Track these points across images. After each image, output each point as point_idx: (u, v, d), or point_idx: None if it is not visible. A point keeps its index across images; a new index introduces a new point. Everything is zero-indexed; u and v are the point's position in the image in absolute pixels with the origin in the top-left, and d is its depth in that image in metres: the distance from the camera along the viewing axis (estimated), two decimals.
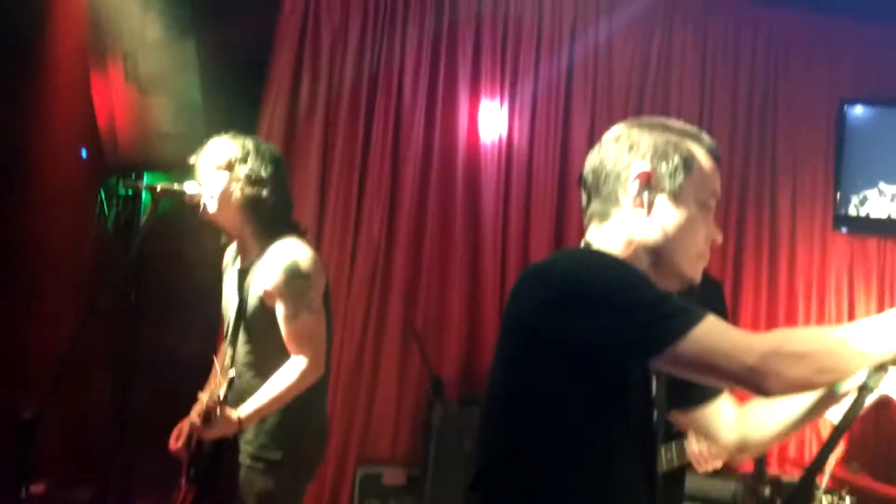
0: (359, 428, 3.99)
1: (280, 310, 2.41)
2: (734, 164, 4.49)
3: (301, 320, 2.40)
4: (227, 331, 2.52)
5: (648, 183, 1.47)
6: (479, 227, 4.20)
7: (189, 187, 2.50)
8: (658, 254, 1.47)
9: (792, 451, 4.28)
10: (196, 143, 2.60)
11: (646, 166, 1.47)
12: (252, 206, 2.48)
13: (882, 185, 4.39)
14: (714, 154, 1.53)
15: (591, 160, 1.55)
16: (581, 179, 1.57)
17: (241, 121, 3.75)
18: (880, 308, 4.43)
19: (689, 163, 1.48)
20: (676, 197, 1.47)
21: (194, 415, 2.34)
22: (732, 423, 1.62)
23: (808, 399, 1.50)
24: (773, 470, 3.94)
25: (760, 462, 3.47)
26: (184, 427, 2.57)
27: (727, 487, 3.41)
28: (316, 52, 4.03)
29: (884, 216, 4.37)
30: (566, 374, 1.36)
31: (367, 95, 4.10)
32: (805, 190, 4.54)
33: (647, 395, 1.48)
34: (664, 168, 1.47)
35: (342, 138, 4.05)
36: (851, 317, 4.44)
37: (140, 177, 3.61)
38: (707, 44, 4.50)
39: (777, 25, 4.56)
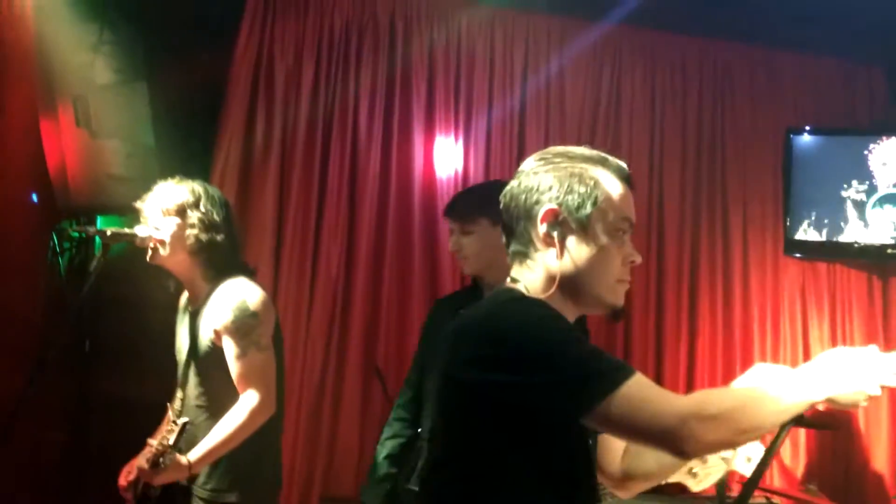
0: (322, 465, 3.95)
1: (229, 348, 2.41)
2: (685, 195, 4.58)
3: (250, 358, 2.40)
4: (179, 374, 2.51)
5: (556, 221, 1.49)
6: (437, 261, 4.22)
7: (141, 231, 2.50)
8: (575, 286, 1.50)
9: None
10: (149, 186, 2.61)
11: (552, 204, 1.49)
12: (204, 250, 2.50)
13: (829, 210, 4.51)
14: (623, 176, 1.54)
15: (504, 200, 1.57)
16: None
17: (195, 163, 3.77)
18: (832, 329, 4.52)
19: (594, 193, 1.49)
20: (584, 230, 1.49)
21: (142, 460, 2.31)
22: (619, 454, 1.63)
23: None
24: (733, 494, 3.96)
25: (721, 486, 3.49)
26: (133, 466, 2.54)
27: None
28: (270, 95, 4.06)
29: (831, 240, 4.48)
30: (503, 431, 1.37)
31: (322, 136, 4.13)
32: (756, 217, 4.64)
33: (586, 447, 1.50)
34: (569, 203, 1.49)
35: (298, 179, 4.06)
36: (805, 339, 4.53)
37: (92, 220, 3.59)
38: (656, 78, 4.61)
39: (723, 59, 4.69)
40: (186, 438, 2.34)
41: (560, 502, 1.40)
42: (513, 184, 1.56)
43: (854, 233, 4.46)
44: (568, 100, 4.49)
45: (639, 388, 1.31)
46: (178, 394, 2.50)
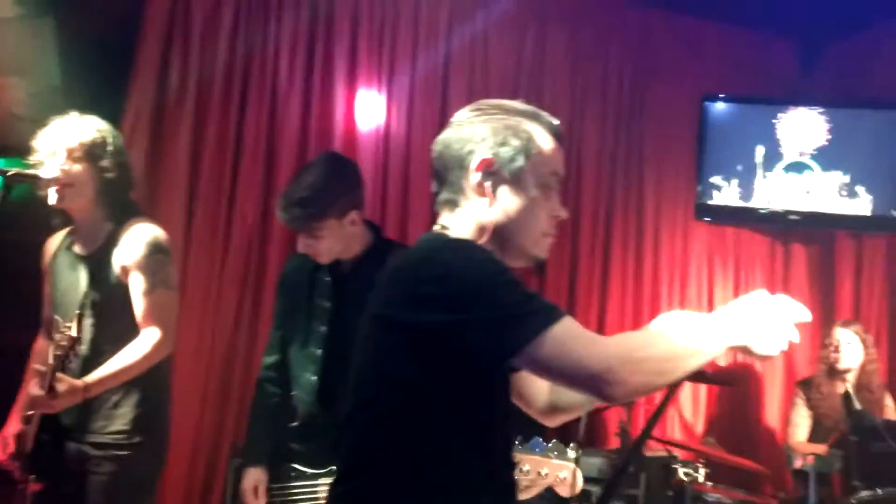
0: (232, 416, 3.92)
1: (137, 284, 2.39)
2: (603, 157, 4.66)
3: (158, 294, 2.39)
4: (70, 317, 2.40)
5: (489, 171, 1.51)
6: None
7: (45, 172, 2.41)
8: (504, 236, 1.52)
9: (655, 429, 4.50)
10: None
11: (486, 154, 1.51)
12: (110, 193, 2.43)
13: (739, 176, 4.66)
14: (554, 132, 1.58)
15: (437, 147, 1.58)
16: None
17: (105, 105, 3.61)
18: (736, 291, 4.71)
19: (527, 146, 1.52)
20: (517, 181, 1.52)
21: (35, 388, 2.25)
22: (545, 386, 1.67)
23: None
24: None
25: (624, 439, 3.63)
26: (7, 436, 2.48)
27: (592, 463, 3.55)
28: (186, 36, 3.92)
29: (739, 205, 4.65)
30: (433, 369, 1.39)
31: (240, 82, 4.02)
32: (669, 182, 4.77)
33: (507, 404, 1.54)
34: (503, 154, 1.51)
35: (214, 126, 3.95)
36: (710, 300, 4.71)
37: None
38: (578, 40, 4.66)
39: (645, 26, 4.77)
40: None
41: (473, 450, 1.43)
42: (447, 133, 1.57)
43: (760, 199, 4.63)
44: (492, 57, 4.49)
45: (568, 331, 1.33)
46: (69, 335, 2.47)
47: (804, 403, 4.09)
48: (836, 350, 3.96)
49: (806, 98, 4.70)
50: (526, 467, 2.05)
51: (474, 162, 1.52)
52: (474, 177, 1.52)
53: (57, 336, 2.33)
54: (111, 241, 2.46)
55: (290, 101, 4.11)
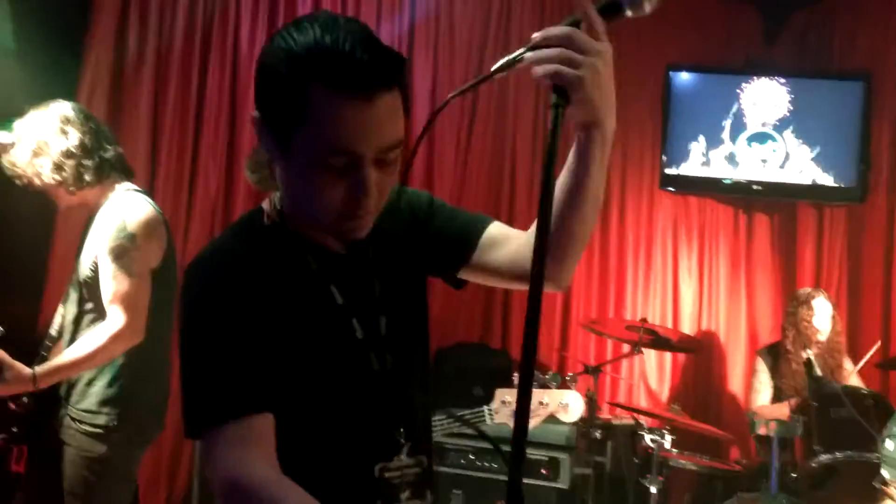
0: None
1: (103, 268, 2.31)
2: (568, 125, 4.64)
3: (119, 280, 2.29)
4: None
5: (261, 133, 1.16)
6: None
7: (1, 137, 2.33)
8: (296, 213, 1.24)
9: (622, 397, 4.55)
10: (9, 91, 2.42)
11: (255, 111, 1.16)
12: (76, 176, 2.35)
13: (701, 147, 4.69)
14: (346, 86, 1.07)
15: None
16: None
17: (61, 71, 3.51)
18: (700, 260, 4.76)
19: (299, 109, 1.09)
20: (286, 152, 1.14)
21: None
22: (524, 240, 1.33)
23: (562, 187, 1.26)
24: (603, 414, 4.17)
25: (591, 407, 3.66)
26: None
27: (560, 431, 3.57)
28: None
29: (702, 176, 4.68)
30: None
31: (200, 46, 3.93)
32: (634, 152, 4.77)
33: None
34: (270, 115, 1.13)
35: (175, 90, 3.86)
36: (675, 269, 4.74)
37: None
38: (544, 9, 4.62)
39: None
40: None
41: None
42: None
43: (724, 169, 4.67)
44: (457, 20, 4.44)
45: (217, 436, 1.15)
46: (59, 310, 2.40)
47: (766, 370, 4.15)
48: (814, 319, 3.98)
49: (769, 68, 4.72)
50: None
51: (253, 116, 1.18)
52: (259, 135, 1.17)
53: None
54: (92, 218, 2.41)
55: (252, 63, 3.99)
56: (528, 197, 4.44)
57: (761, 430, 3.51)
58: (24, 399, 2.37)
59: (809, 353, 3.87)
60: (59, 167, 2.33)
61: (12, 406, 2.40)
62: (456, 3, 4.43)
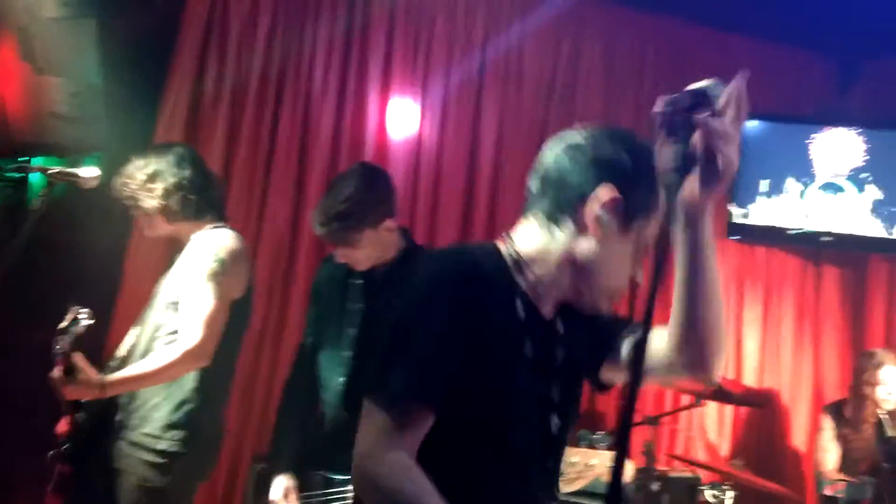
0: (255, 424, 3.92)
1: (190, 286, 2.41)
2: None
3: (204, 300, 2.38)
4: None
5: (614, 210, 1.37)
6: None
7: (85, 171, 2.42)
8: (584, 274, 1.41)
9: (679, 448, 4.45)
10: (95, 126, 2.55)
11: (614, 192, 1.37)
12: (179, 207, 2.54)
13: (770, 196, 4.61)
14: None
15: (548, 161, 1.43)
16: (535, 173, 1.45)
17: (142, 107, 3.65)
18: (765, 311, 4.65)
19: (653, 205, 1.39)
20: (626, 231, 1.38)
21: (57, 370, 2.25)
22: (664, 339, 1.43)
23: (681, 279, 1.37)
24: (661, 466, 4.09)
25: (649, 457, 3.59)
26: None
27: None
28: (223, 40, 3.95)
29: (770, 224, 4.59)
30: None
31: (274, 87, 4.04)
32: None
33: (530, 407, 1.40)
34: (632, 200, 1.37)
35: (247, 130, 3.97)
36: (738, 321, 4.65)
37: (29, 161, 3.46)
38: (613, 54, 4.63)
39: (681, 39, 4.72)
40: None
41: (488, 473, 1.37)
42: (577, 139, 1.41)
43: (793, 219, 4.58)
44: (526, 70, 4.48)
45: (377, 422, 1.29)
46: (132, 331, 2.53)
47: (833, 428, 4.02)
48: (882, 389, 3.81)
49: (842, 117, 4.64)
50: (574, 459, 2.03)
51: (602, 196, 1.37)
52: (593, 208, 1.37)
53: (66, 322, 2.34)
54: (180, 249, 2.59)
55: (324, 106, 4.11)
56: None
57: (829, 491, 3.40)
58: (80, 416, 2.39)
59: (881, 413, 3.74)
60: (167, 195, 2.51)
61: (66, 425, 2.42)
62: (525, 53, 4.46)
